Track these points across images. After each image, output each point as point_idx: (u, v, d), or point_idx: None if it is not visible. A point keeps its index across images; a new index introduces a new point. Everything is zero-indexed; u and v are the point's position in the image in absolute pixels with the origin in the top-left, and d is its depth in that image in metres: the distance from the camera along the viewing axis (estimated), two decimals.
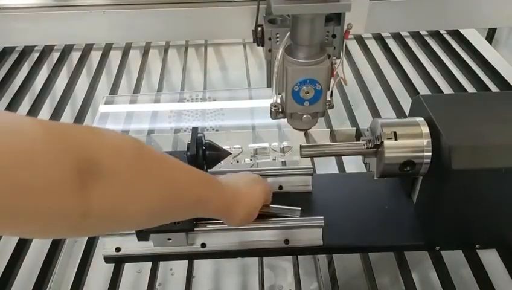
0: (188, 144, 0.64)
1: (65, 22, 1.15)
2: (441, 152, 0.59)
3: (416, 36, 1.32)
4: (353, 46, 1.28)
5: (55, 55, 1.26)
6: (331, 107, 0.67)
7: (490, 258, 0.70)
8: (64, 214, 0.34)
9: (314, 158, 0.82)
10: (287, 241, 0.67)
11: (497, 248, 0.70)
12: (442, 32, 1.34)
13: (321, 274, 0.71)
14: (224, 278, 0.74)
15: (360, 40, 1.30)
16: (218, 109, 1.04)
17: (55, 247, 0.74)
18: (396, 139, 0.61)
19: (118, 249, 0.67)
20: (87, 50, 1.28)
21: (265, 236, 0.66)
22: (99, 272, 0.72)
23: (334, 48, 0.67)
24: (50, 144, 0.33)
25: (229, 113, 1.03)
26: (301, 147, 0.65)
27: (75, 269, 0.70)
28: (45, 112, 1.06)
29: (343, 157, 0.85)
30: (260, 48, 0.72)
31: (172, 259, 0.70)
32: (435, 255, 0.70)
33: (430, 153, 0.61)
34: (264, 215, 0.65)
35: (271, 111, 0.66)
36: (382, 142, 0.61)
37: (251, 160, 0.78)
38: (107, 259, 0.68)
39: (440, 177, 0.60)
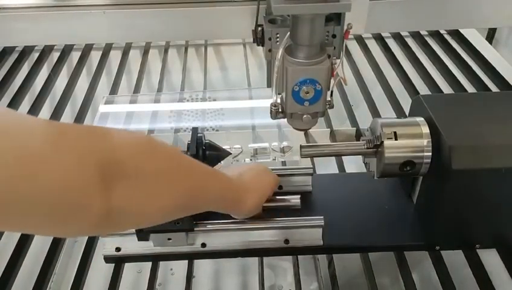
0: (188, 144, 0.64)
1: (65, 22, 1.15)
2: (441, 152, 0.59)
3: (416, 36, 1.32)
4: (353, 46, 1.28)
5: (55, 55, 1.26)
6: (331, 107, 0.67)
7: (490, 258, 0.70)
8: (88, 215, 0.35)
9: (314, 158, 0.82)
10: (287, 241, 0.67)
11: (497, 248, 0.70)
12: (442, 32, 1.34)
13: (321, 274, 0.71)
14: (224, 278, 0.74)
15: (360, 40, 1.30)
16: (218, 109, 1.04)
17: (55, 247, 0.74)
18: (396, 139, 0.61)
19: (118, 249, 0.67)
20: (87, 50, 1.28)
21: (265, 236, 0.66)
22: (99, 272, 0.72)
23: (334, 48, 0.67)
24: (69, 146, 0.33)
25: (229, 113, 1.03)
26: (301, 147, 0.65)
27: (75, 269, 0.70)
28: (45, 112, 1.06)
29: (343, 157, 0.85)
30: (260, 48, 0.72)
31: (172, 259, 0.70)
32: (435, 255, 0.69)
33: (430, 153, 0.61)
34: (264, 210, 0.65)
35: (271, 111, 0.66)
36: (382, 142, 0.61)
37: (251, 160, 0.78)
38: (107, 259, 0.68)
39: (440, 177, 0.60)
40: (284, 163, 0.84)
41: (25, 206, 0.31)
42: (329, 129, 0.96)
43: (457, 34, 1.32)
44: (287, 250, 0.68)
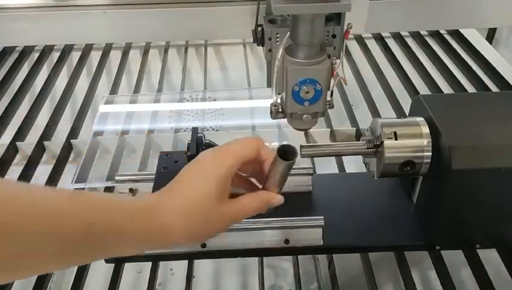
0: (188, 144, 0.64)
1: (65, 22, 1.15)
2: (441, 152, 0.59)
3: (416, 36, 1.32)
4: (353, 46, 1.28)
5: (55, 55, 1.26)
6: (331, 107, 0.67)
7: (490, 258, 0.70)
8: None
9: (314, 158, 0.82)
10: (287, 241, 0.67)
11: (497, 248, 0.70)
12: (442, 32, 1.34)
13: (321, 274, 0.71)
14: (224, 278, 0.74)
15: (360, 40, 1.30)
16: (218, 109, 1.04)
17: None
18: (396, 139, 0.61)
19: None
20: (87, 50, 1.28)
21: (265, 236, 0.66)
22: (99, 272, 0.72)
23: (334, 48, 0.67)
24: None
25: (229, 113, 1.03)
26: (301, 147, 0.65)
27: (75, 269, 0.70)
28: (45, 112, 1.06)
29: (343, 157, 0.86)
30: (260, 48, 0.72)
31: (172, 259, 0.70)
32: (435, 255, 0.69)
33: (430, 153, 0.61)
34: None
35: (271, 111, 0.66)
36: (382, 142, 0.61)
37: None
38: (107, 259, 0.68)
39: (440, 177, 0.60)
40: None
41: None
42: (329, 129, 0.96)
43: (457, 34, 1.32)
44: (287, 250, 0.68)
